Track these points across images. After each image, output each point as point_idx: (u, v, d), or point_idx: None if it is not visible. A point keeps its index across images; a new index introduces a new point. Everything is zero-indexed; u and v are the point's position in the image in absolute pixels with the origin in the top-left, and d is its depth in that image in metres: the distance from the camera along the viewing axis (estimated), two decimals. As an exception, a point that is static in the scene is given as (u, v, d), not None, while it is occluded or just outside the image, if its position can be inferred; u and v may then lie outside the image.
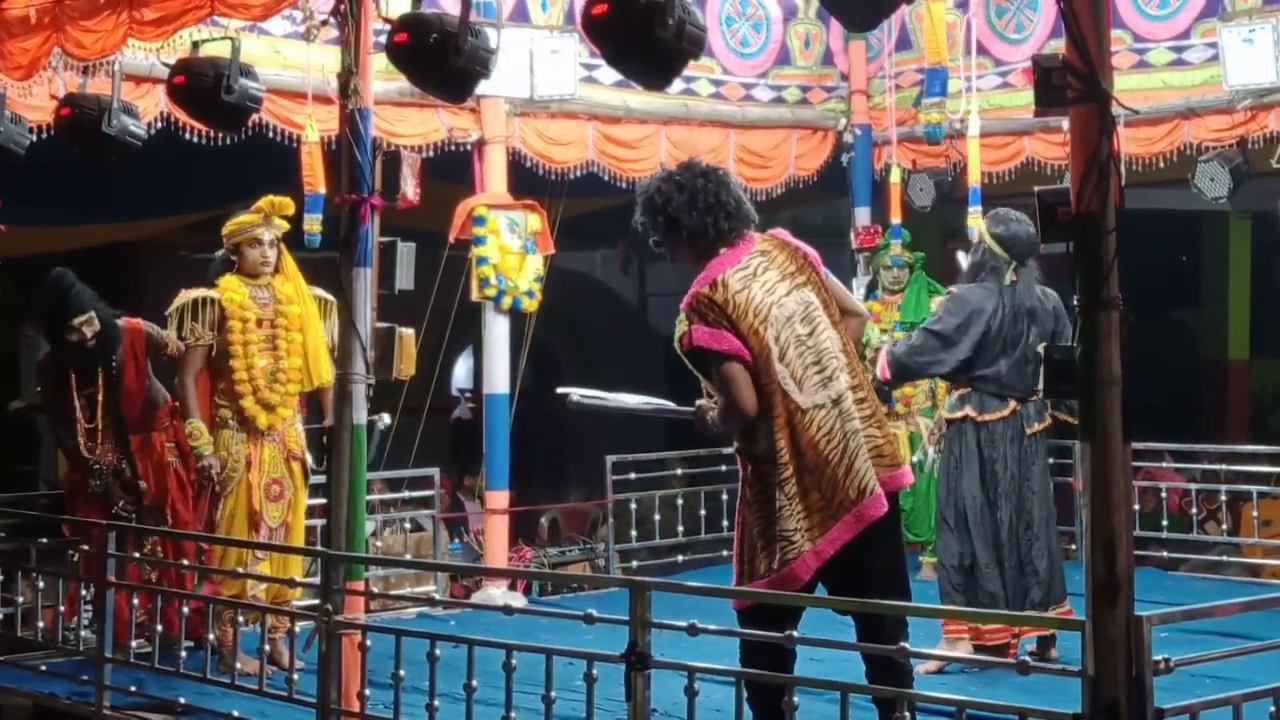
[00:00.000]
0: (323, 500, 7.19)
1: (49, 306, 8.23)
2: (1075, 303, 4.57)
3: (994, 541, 7.73)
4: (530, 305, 10.21)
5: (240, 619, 7.05)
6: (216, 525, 7.95)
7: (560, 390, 6.61)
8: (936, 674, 7.43)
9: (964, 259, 8.04)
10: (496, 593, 9.77)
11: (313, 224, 8.78)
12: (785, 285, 5.73)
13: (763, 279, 5.71)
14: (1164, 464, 11.60)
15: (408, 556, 10.16)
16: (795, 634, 5.27)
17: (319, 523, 8.86)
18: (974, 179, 10.16)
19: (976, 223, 9.83)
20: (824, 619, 6.97)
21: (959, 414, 7.87)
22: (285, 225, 8.18)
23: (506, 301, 10.07)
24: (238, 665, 6.97)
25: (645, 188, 5.89)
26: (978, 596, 7.71)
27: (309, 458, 8.16)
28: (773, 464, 5.63)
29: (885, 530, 5.72)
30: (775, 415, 5.62)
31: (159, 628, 7.13)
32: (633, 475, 11.21)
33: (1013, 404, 7.81)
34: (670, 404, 6.41)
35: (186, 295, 8.03)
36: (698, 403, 6.00)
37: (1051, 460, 8.72)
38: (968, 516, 7.76)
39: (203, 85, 7.26)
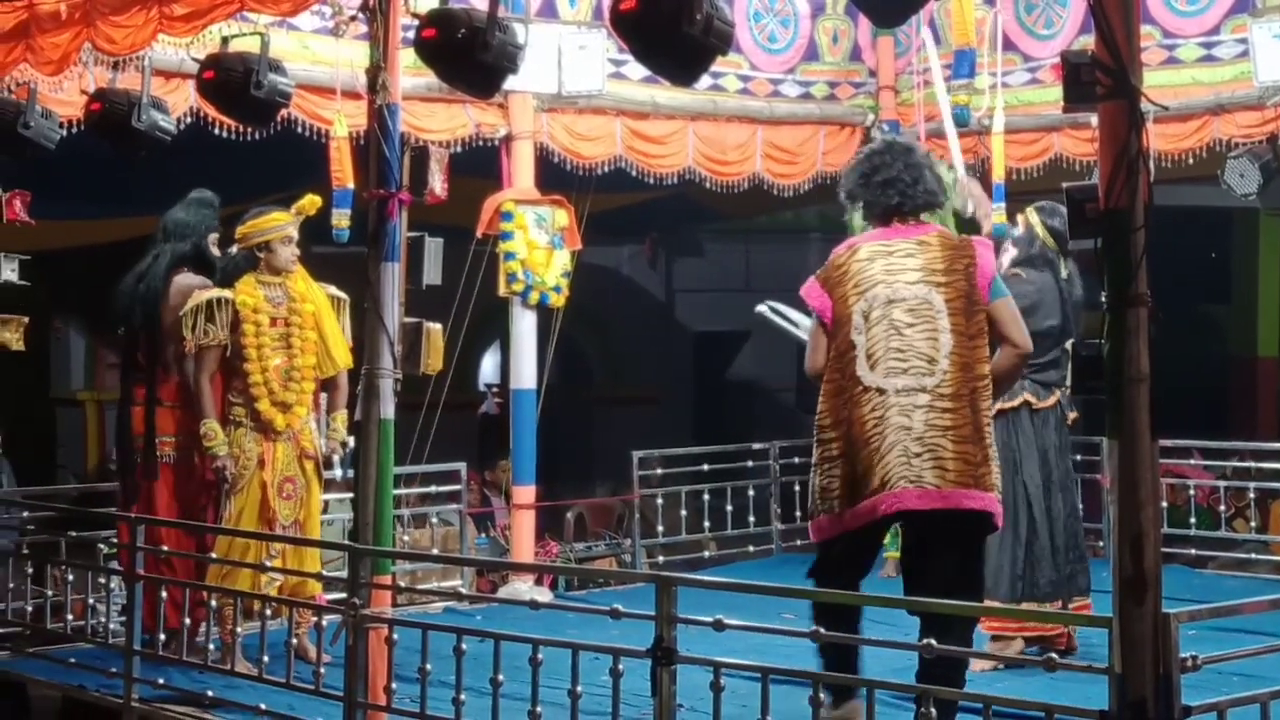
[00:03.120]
0: (349, 495, 7.22)
1: (195, 215, 8.26)
2: (1103, 299, 4.57)
3: (1049, 530, 7.72)
4: (557, 300, 10.21)
5: (268, 613, 7.07)
6: (226, 523, 7.90)
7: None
8: (989, 672, 7.42)
9: (1010, 251, 8.00)
10: (523, 587, 9.79)
11: (341, 219, 8.79)
12: (915, 275, 5.92)
13: (895, 261, 5.97)
14: (1192, 461, 11.55)
15: (435, 551, 10.18)
16: (823, 631, 5.27)
17: (340, 516, 8.92)
18: (998, 175, 10.14)
19: (1001, 219, 9.82)
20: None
21: (1016, 401, 7.79)
22: None
23: (534, 297, 10.07)
24: (238, 666, 7.15)
25: (850, 167, 6.34)
26: (1039, 586, 7.67)
27: (322, 455, 8.14)
28: (819, 425, 6.04)
29: (944, 537, 5.85)
30: (830, 380, 6.00)
31: (186, 620, 7.17)
32: (659, 471, 11.22)
33: (1056, 394, 7.81)
34: None
35: (200, 295, 7.98)
36: None
37: (1079, 457, 8.71)
38: (1032, 505, 7.72)
39: (232, 80, 7.28)
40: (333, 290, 8.24)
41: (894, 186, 6.10)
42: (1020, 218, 8.17)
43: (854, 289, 5.95)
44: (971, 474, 5.80)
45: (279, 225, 8.04)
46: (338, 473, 8.34)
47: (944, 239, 6.09)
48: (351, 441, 7.98)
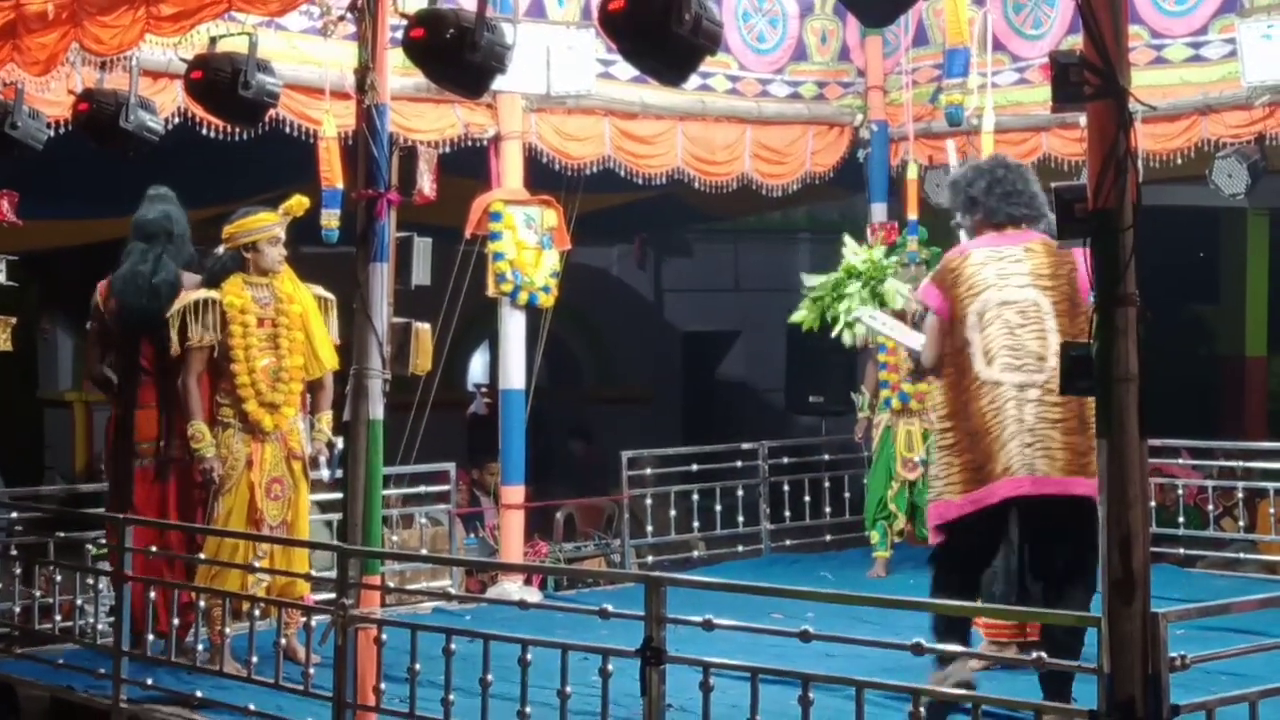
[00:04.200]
0: (338, 495, 7.20)
1: (179, 210, 8.32)
2: (1092, 299, 4.57)
3: None
4: (546, 301, 10.20)
5: (256, 613, 7.05)
6: (214, 524, 7.88)
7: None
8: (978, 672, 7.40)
9: None
10: (512, 588, 9.78)
11: (330, 219, 8.78)
12: (1024, 280, 6.44)
13: (1006, 266, 6.50)
14: (1181, 461, 11.57)
15: (424, 551, 10.17)
16: (810, 630, 5.27)
17: (334, 517, 8.89)
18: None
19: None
20: (837, 614, 6.98)
21: None
22: None
23: (523, 297, 10.06)
24: (226, 667, 7.14)
25: (955, 174, 7.07)
26: (1030, 592, 7.66)
27: (309, 456, 8.12)
28: (940, 415, 6.54)
29: (1056, 525, 6.36)
30: (948, 373, 6.49)
31: (175, 621, 7.16)
32: (648, 471, 11.22)
33: None
34: None
35: (188, 296, 7.97)
36: None
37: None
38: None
39: (220, 80, 7.27)
40: (319, 291, 8.23)
41: (1018, 198, 6.65)
42: None
43: (968, 291, 6.48)
44: (1078, 463, 6.25)
45: (266, 226, 8.02)
46: (324, 473, 8.32)
47: (1047, 246, 6.52)
48: (339, 442, 7.98)
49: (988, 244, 6.63)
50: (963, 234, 8.06)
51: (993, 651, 7.56)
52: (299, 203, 8.05)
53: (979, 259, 6.56)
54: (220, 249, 8.15)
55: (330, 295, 8.24)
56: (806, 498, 11.66)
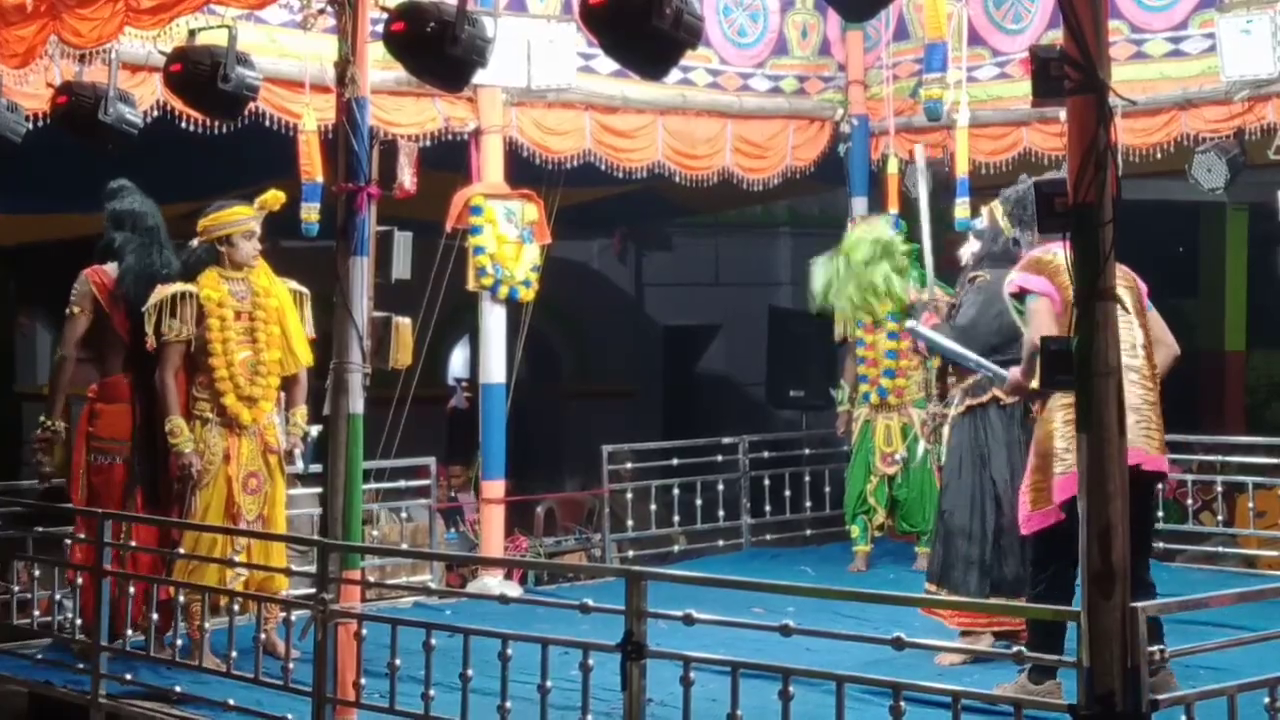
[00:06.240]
0: (317, 490, 7.19)
1: (154, 208, 8.27)
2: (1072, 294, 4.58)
3: (1013, 525, 7.72)
4: (527, 295, 10.20)
5: (235, 608, 7.04)
6: (191, 519, 7.83)
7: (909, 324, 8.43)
8: (959, 666, 7.41)
9: (973, 244, 8.01)
10: (492, 582, 9.77)
11: (310, 213, 8.76)
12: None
13: None
14: (1160, 455, 11.58)
15: (404, 546, 10.15)
16: (791, 624, 5.27)
17: (313, 512, 8.88)
18: (962, 170, 10.15)
19: (966, 213, 9.85)
20: (819, 608, 7.00)
21: (985, 397, 7.81)
22: None
23: (503, 291, 10.06)
24: (206, 662, 7.10)
25: (1021, 191, 7.38)
26: (1006, 581, 7.68)
27: (284, 450, 8.09)
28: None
29: (1140, 495, 6.28)
30: None
31: (155, 616, 7.14)
32: (629, 465, 11.22)
33: None
34: (991, 365, 7.32)
35: (164, 290, 7.92)
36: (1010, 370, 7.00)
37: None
38: (1000, 500, 7.72)
39: (199, 74, 7.25)
40: (293, 285, 8.21)
41: None
42: (984, 210, 8.18)
43: (1070, 278, 6.57)
44: (1163, 441, 6.71)
45: (240, 219, 7.99)
46: (299, 465, 8.31)
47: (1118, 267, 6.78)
48: (313, 432, 7.98)
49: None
50: (971, 246, 8.09)
51: (966, 644, 7.58)
52: (274, 197, 8.03)
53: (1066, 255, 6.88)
54: (194, 242, 8.12)
55: (304, 289, 8.21)
56: (787, 492, 11.67)
